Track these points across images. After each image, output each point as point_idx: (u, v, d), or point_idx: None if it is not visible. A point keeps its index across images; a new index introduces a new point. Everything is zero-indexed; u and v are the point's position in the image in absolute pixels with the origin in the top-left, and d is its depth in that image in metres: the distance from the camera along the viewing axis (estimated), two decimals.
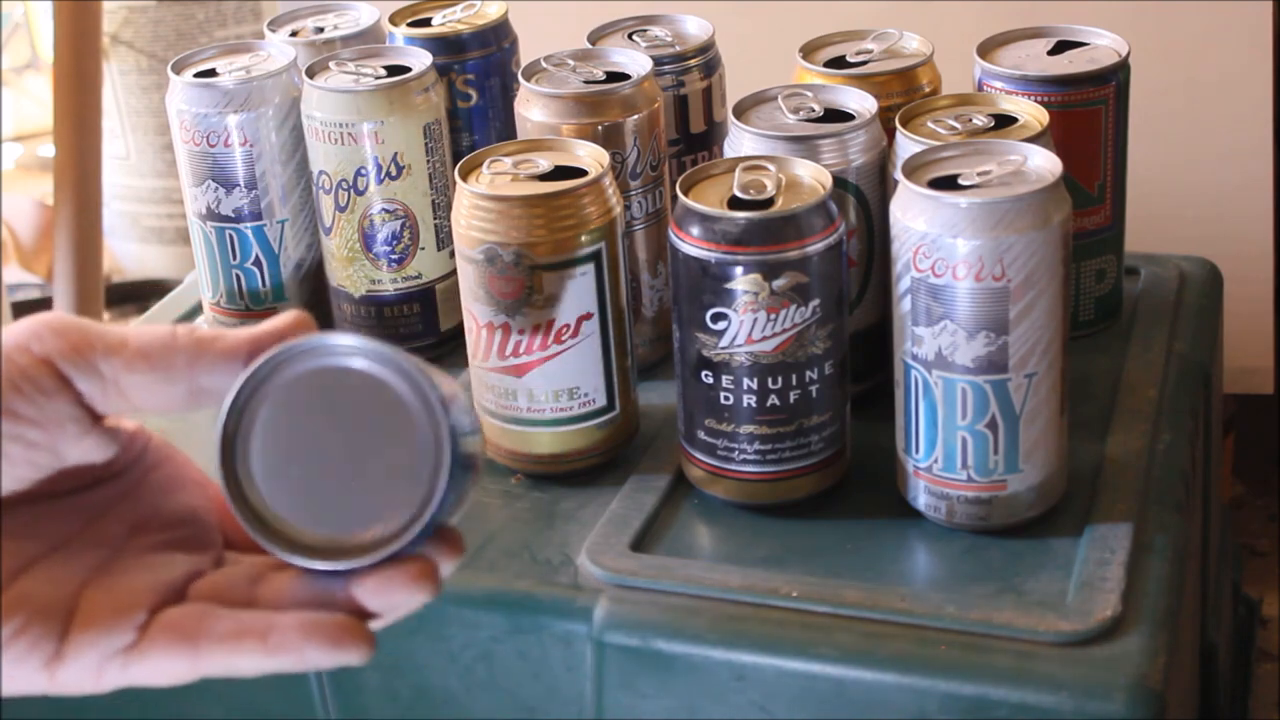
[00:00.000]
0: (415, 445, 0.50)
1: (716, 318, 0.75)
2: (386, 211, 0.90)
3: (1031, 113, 0.82)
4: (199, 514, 0.56)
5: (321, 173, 0.90)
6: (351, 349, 0.50)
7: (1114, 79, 0.87)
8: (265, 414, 0.50)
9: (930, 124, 0.82)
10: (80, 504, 0.54)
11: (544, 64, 0.88)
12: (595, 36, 0.93)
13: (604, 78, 0.86)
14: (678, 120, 0.91)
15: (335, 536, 0.51)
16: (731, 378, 0.76)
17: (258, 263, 0.94)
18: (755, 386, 0.76)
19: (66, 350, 0.50)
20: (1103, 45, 0.90)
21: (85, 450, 0.52)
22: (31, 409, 0.50)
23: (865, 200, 0.82)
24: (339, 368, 0.50)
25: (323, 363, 0.50)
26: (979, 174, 0.73)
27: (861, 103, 0.83)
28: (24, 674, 0.50)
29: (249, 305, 0.95)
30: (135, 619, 0.51)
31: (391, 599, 0.52)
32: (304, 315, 0.53)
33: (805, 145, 0.80)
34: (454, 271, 0.89)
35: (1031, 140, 0.77)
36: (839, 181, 0.79)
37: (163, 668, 0.51)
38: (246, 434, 0.50)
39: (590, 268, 0.78)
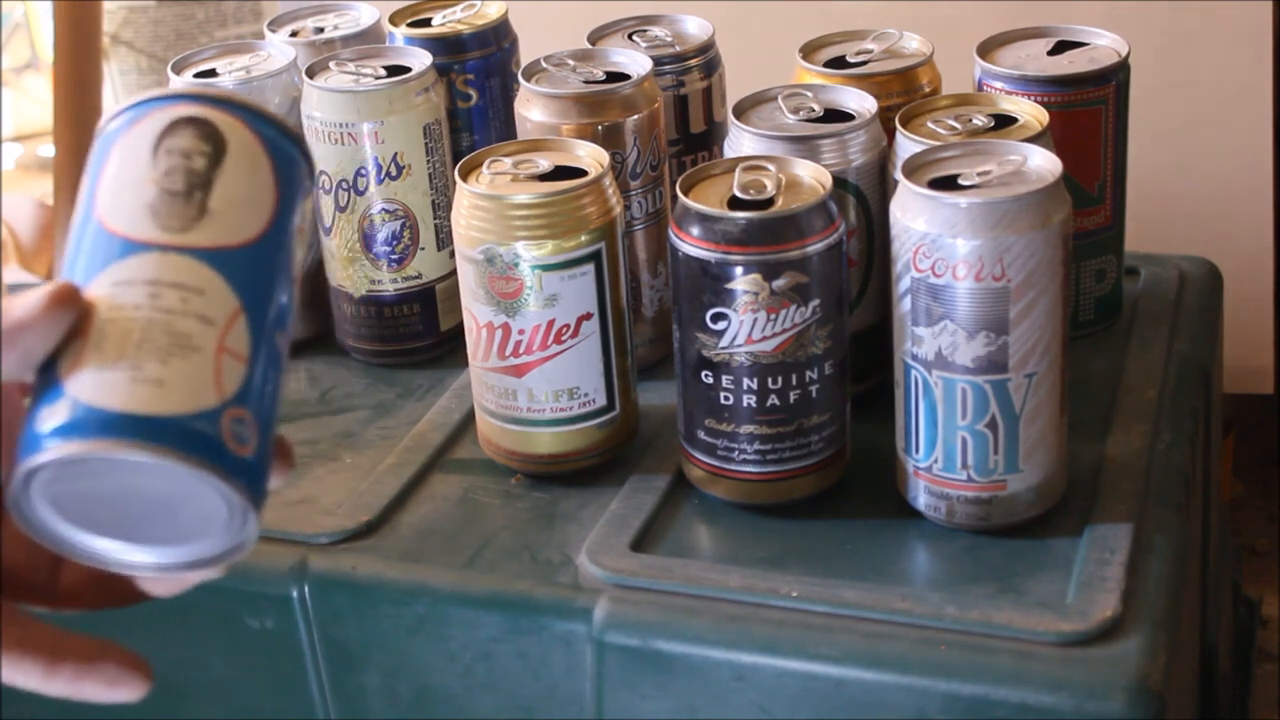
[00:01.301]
0: (213, 503, 0.48)
1: (716, 318, 0.75)
2: (386, 211, 0.90)
3: (1031, 113, 0.82)
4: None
5: (321, 173, 0.90)
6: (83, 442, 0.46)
7: (1114, 79, 0.87)
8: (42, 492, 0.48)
9: (930, 124, 0.82)
10: None
11: (544, 64, 0.88)
12: (595, 36, 0.93)
13: (604, 78, 0.86)
14: (678, 120, 0.91)
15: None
16: (731, 378, 0.76)
17: None
18: (755, 386, 0.76)
19: None
20: (1103, 45, 0.90)
21: None
22: None
23: (865, 200, 0.82)
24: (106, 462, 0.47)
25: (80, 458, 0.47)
26: (979, 174, 0.73)
27: (861, 103, 0.83)
28: None
29: None
30: None
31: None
32: (64, 291, 0.48)
33: (805, 145, 0.79)
34: (454, 271, 0.89)
35: (1031, 140, 0.77)
36: (839, 181, 0.79)
37: None
38: (31, 500, 0.48)
39: (590, 268, 0.78)
